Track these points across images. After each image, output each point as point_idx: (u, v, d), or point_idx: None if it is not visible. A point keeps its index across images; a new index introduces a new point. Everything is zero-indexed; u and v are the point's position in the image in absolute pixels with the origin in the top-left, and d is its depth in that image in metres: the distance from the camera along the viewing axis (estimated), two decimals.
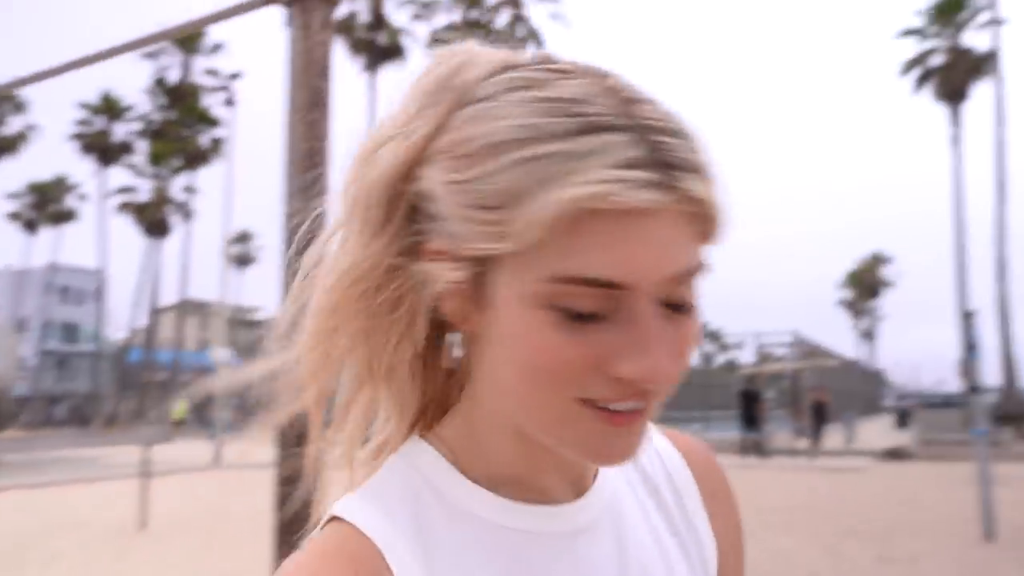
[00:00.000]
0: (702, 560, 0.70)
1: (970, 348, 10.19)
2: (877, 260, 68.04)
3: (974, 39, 31.26)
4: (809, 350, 25.00)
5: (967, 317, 11.31)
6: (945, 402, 27.18)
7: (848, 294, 70.08)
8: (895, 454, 17.85)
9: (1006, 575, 6.70)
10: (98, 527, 9.56)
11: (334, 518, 0.58)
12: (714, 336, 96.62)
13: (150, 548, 8.33)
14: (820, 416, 19.09)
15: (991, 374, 27.85)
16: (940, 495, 11.70)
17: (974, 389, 9.36)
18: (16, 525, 9.90)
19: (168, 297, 53.27)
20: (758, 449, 18.42)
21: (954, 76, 30.06)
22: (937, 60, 30.78)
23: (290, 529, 1.56)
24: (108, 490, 13.02)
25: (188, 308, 46.38)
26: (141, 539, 8.87)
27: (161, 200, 42.60)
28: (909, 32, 31.54)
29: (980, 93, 30.39)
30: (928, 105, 33.23)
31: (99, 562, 7.57)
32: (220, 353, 22.09)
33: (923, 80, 31.11)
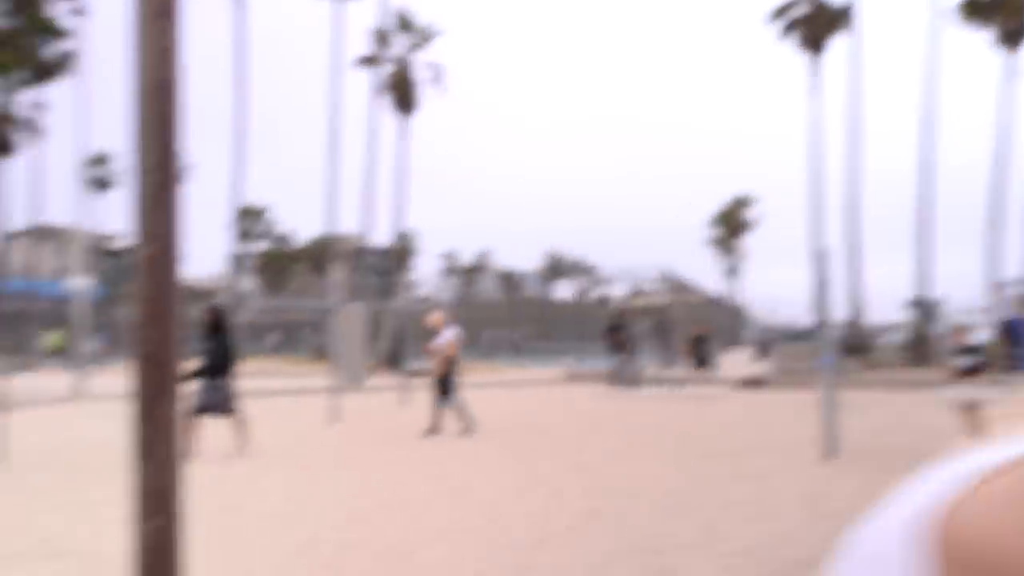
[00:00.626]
0: None
1: (820, 285, 10.92)
2: (740, 202, 71.11)
3: None
4: (676, 285, 26.08)
5: (819, 257, 12.08)
6: (800, 335, 29.06)
7: (715, 233, 73.06)
8: (753, 382, 19.03)
9: (839, 487, 7.34)
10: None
11: None
12: (588, 271, 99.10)
13: (9, 482, 7.95)
14: (702, 348, 20.18)
15: (840, 310, 29.90)
16: (791, 419, 12.61)
17: (822, 323, 10.05)
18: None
19: (18, 222, 49.53)
20: (626, 379, 19.23)
21: (815, 28, 31.30)
22: (800, 11, 31.92)
23: (146, 453, 1.55)
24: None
25: (42, 234, 43.40)
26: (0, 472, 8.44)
27: (5, 117, 39.24)
28: None
29: (838, 45, 31.78)
30: (790, 55, 34.36)
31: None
32: (79, 282, 20.87)
33: (788, 30, 32.24)
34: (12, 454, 9.37)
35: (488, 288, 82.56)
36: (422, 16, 36.63)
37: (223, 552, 5.33)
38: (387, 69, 36.33)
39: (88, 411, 15.67)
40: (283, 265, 75.91)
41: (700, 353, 20.29)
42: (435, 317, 12.07)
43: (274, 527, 6.08)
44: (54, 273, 60.45)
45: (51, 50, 39.54)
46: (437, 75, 37.76)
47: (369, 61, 36.14)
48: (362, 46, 37.01)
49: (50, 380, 21.40)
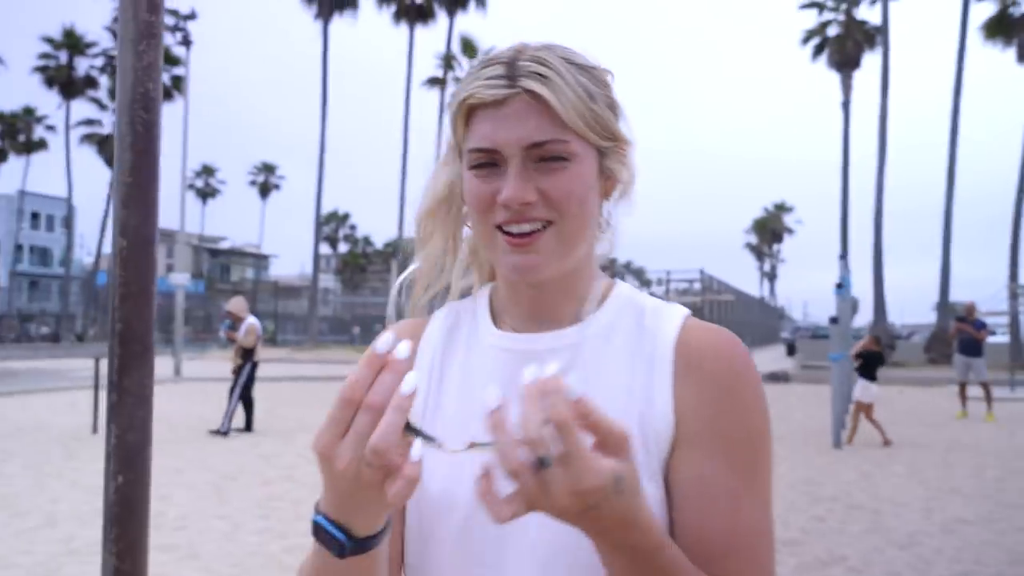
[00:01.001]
0: (653, 429, 0.73)
1: (838, 286, 10.62)
2: (780, 209, 69.53)
3: (866, 13, 31.61)
4: (714, 286, 25.66)
5: (841, 262, 11.77)
6: (827, 334, 28.30)
7: (753, 239, 71.61)
8: (776, 376, 18.61)
9: (839, 474, 7.15)
10: (54, 431, 9.46)
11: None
12: (637, 273, 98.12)
13: (99, 449, 8.28)
14: None
15: (866, 310, 29.02)
16: (807, 411, 12.30)
17: (834, 320, 9.79)
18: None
19: None
20: None
21: (847, 46, 30.39)
22: (833, 31, 31.03)
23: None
24: (69, 399, 12.81)
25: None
26: (92, 441, 8.80)
27: None
28: (810, 4, 31.66)
29: (869, 63, 30.85)
30: (824, 72, 33.43)
31: (50, 463, 7.51)
32: (178, 278, 21.61)
33: (820, 49, 31.40)
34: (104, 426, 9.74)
35: None
36: (484, 41, 36.83)
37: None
38: (453, 89, 36.64)
39: (181, 391, 16.21)
40: (361, 265, 77.23)
41: None
42: (236, 303, 10.05)
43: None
44: (162, 270, 62.64)
45: (164, 76, 40.96)
46: None
47: (436, 82, 36.48)
48: (431, 69, 37.38)
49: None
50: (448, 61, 36.29)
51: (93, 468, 7.26)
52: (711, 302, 23.94)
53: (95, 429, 9.42)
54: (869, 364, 9.27)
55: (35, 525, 5.18)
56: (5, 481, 6.61)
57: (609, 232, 0.83)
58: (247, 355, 9.63)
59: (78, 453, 8.02)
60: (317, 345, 32.10)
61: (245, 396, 9.56)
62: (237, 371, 9.61)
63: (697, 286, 25.32)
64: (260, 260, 77.18)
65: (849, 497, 6.19)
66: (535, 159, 0.73)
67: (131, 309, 1.63)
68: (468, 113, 0.76)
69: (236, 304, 9.93)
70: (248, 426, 9.63)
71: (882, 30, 29.67)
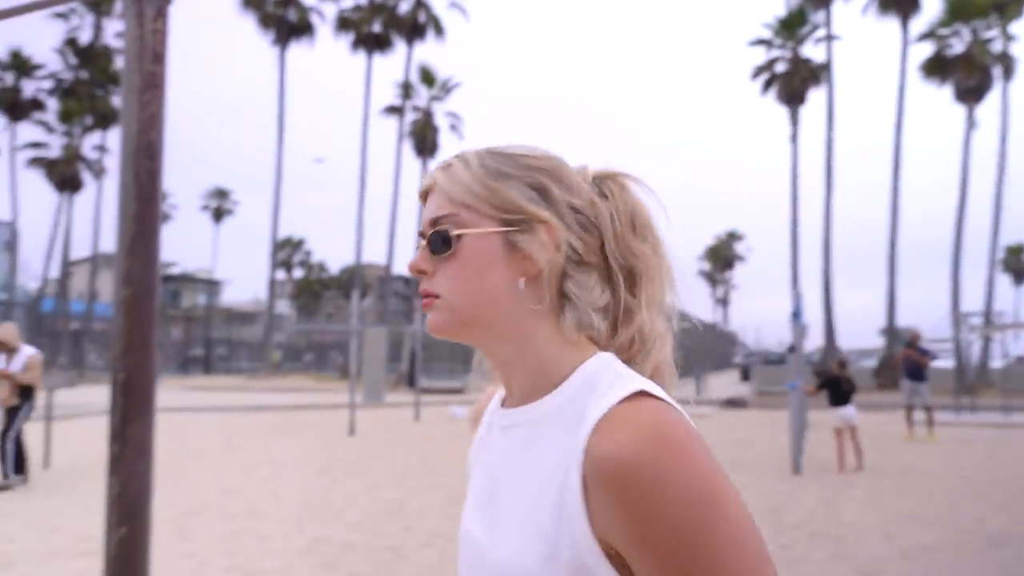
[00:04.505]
0: (572, 545, 0.68)
1: (794, 315, 10.90)
2: (732, 237, 71.01)
3: (812, 51, 32.76)
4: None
5: (795, 291, 12.09)
6: (779, 359, 28.85)
7: (706, 266, 72.85)
8: (734, 403, 18.90)
9: (800, 501, 7.28)
10: None
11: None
12: None
13: (51, 487, 8.00)
14: None
15: (815, 337, 29.73)
16: (765, 437, 12.52)
17: (791, 349, 10.01)
18: None
19: (82, 250, 50.09)
20: None
21: (794, 82, 31.43)
22: (781, 67, 32.07)
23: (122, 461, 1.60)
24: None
25: (101, 261, 43.79)
26: (44, 476, 8.50)
27: (72, 157, 39.84)
28: (758, 42, 32.70)
29: (816, 98, 31.85)
30: (774, 106, 34.40)
31: (1, 501, 7.22)
32: None
33: (769, 84, 32.38)
34: (56, 459, 9.44)
35: None
36: (443, 70, 37.07)
37: (237, 551, 5.35)
38: (411, 117, 36.71)
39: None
40: (316, 291, 76.25)
41: None
42: (5, 330, 8.13)
43: (287, 528, 6.09)
44: (110, 295, 60.71)
45: (115, 100, 40.19)
46: (455, 123, 38.10)
47: (394, 110, 36.55)
48: (389, 97, 37.43)
49: (102, 393, 21.51)
50: (406, 90, 36.40)
51: (46, 506, 7.01)
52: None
53: (46, 464, 9.09)
54: (834, 389, 9.57)
55: None
56: None
57: (571, 307, 0.78)
58: (27, 392, 8.08)
59: (31, 489, 7.73)
60: (273, 373, 31.51)
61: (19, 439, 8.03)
62: (14, 411, 8.00)
63: None
64: (212, 286, 75.62)
65: (812, 524, 6.31)
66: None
67: (134, 360, 1.62)
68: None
69: (6, 331, 8.09)
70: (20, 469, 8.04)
71: (826, 67, 30.77)
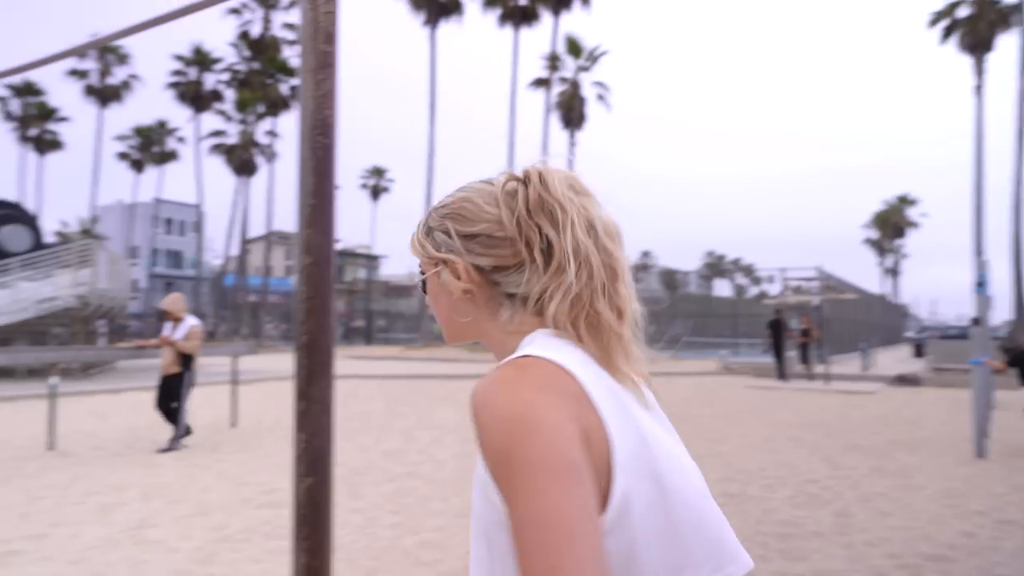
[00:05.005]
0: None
1: (978, 285, 9.95)
2: (903, 202, 65.64)
3: None
4: (831, 284, 24.54)
5: (979, 260, 11.02)
6: (958, 334, 26.50)
7: (873, 234, 67.95)
8: (905, 379, 17.61)
9: (985, 486, 6.68)
10: (197, 425, 10.11)
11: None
12: (746, 270, 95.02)
13: (239, 443, 8.81)
14: (805, 341, 19.04)
15: (1003, 308, 26.99)
16: (942, 417, 11.58)
17: (975, 321, 9.16)
18: (129, 420, 10.55)
19: (257, 229, 54.40)
20: (783, 373, 18.38)
21: (979, 27, 28.31)
22: (964, 12, 28.98)
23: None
24: (207, 394, 13.68)
25: (274, 238, 47.34)
26: (231, 435, 9.37)
27: (247, 143, 43.13)
28: None
29: (1003, 44, 28.63)
30: (953, 56, 31.14)
31: (196, 455, 8.05)
32: None
33: (949, 31, 29.38)
34: (241, 419, 10.37)
35: (650, 286, 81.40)
36: (589, 39, 36.61)
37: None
38: (558, 89, 36.63)
39: None
40: None
41: (803, 349, 19.08)
42: (172, 300, 8.37)
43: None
44: (284, 271, 65.76)
45: (283, 87, 43.01)
46: (602, 94, 37.63)
47: (542, 83, 36.59)
48: (536, 70, 37.53)
49: (278, 360, 23.35)
50: (553, 61, 36.33)
51: (235, 460, 7.74)
52: (831, 301, 22.89)
53: (233, 423, 10.03)
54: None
55: (189, 513, 5.57)
56: (159, 472, 7.14)
57: (506, 305, 0.97)
58: (187, 361, 8.31)
59: (221, 446, 8.56)
60: (428, 344, 32.86)
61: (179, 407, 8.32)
62: (176, 379, 8.25)
63: (814, 284, 24.28)
64: (372, 261, 79.79)
65: (999, 511, 5.79)
66: None
67: (315, 323, 1.74)
68: None
69: (173, 301, 8.37)
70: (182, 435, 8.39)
71: (1018, 8, 27.50)
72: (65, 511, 5.64)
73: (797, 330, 19.42)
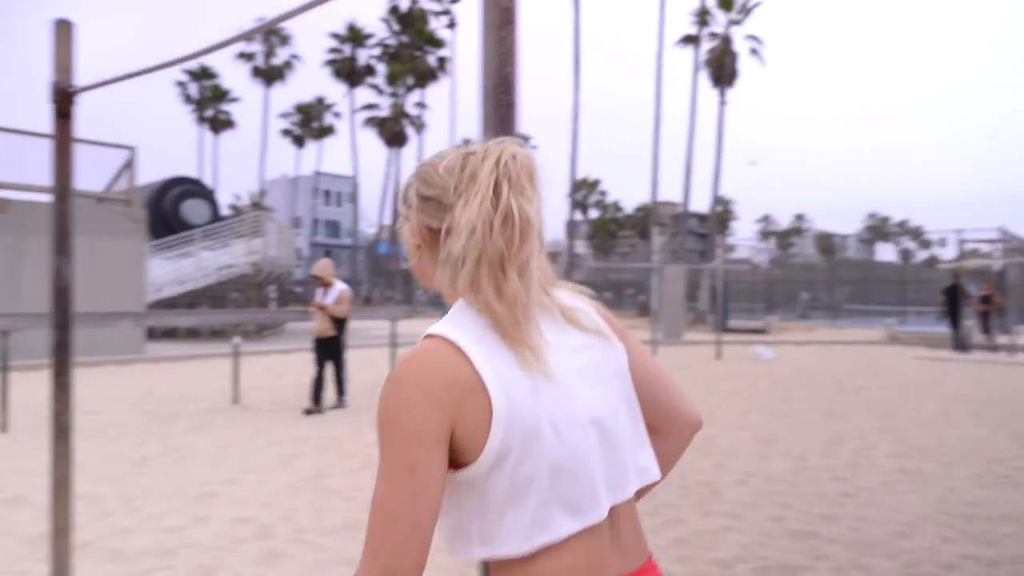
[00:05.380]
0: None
1: None
2: None
3: None
4: (1016, 246, 22.21)
5: None
6: None
7: None
8: None
9: None
10: (360, 384, 10.70)
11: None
12: (914, 233, 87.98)
13: None
14: (986, 309, 17.30)
15: None
16: None
17: None
18: (300, 379, 11.35)
19: None
20: (959, 343, 16.97)
21: None
22: None
23: None
24: (366, 355, 14.48)
25: None
26: None
27: (398, 115, 44.71)
28: None
29: None
30: None
31: (361, 412, 8.55)
32: None
33: None
34: None
35: (806, 250, 77.27)
36: None
37: None
38: (707, 46, 35.17)
39: None
40: (611, 231, 77.78)
41: (984, 316, 17.28)
42: (323, 266, 8.67)
43: None
44: None
45: (431, 59, 44.11)
46: (755, 48, 35.75)
47: (690, 40, 35.26)
48: (683, 28, 36.20)
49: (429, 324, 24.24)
50: (703, 17, 34.87)
51: None
52: (1017, 265, 20.74)
53: None
54: None
55: (359, 466, 5.94)
56: (330, 426, 7.65)
57: (441, 266, 1.08)
58: (340, 325, 8.58)
59: (371, 409, 9.04)
60: None
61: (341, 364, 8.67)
62: (333, 340, 8.51)
63: (997, 247, 22.08)
64: None
65: None
66: None
67: None
68: None
69: (323, 267, 8.66)
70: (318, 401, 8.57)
71: None
72: (251, 459, 6.17)
73: (977, 297, 17.81)
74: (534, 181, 1.08)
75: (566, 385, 1.03)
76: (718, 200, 35.82)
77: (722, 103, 34.92)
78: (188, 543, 4.10)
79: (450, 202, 1.07)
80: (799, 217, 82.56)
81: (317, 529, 4.38)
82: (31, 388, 10.02)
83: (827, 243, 72.98)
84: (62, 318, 3.42)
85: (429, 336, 1.03)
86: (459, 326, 1.03)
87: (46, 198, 13.92)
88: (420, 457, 0.95)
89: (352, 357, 14.09)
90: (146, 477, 5.53)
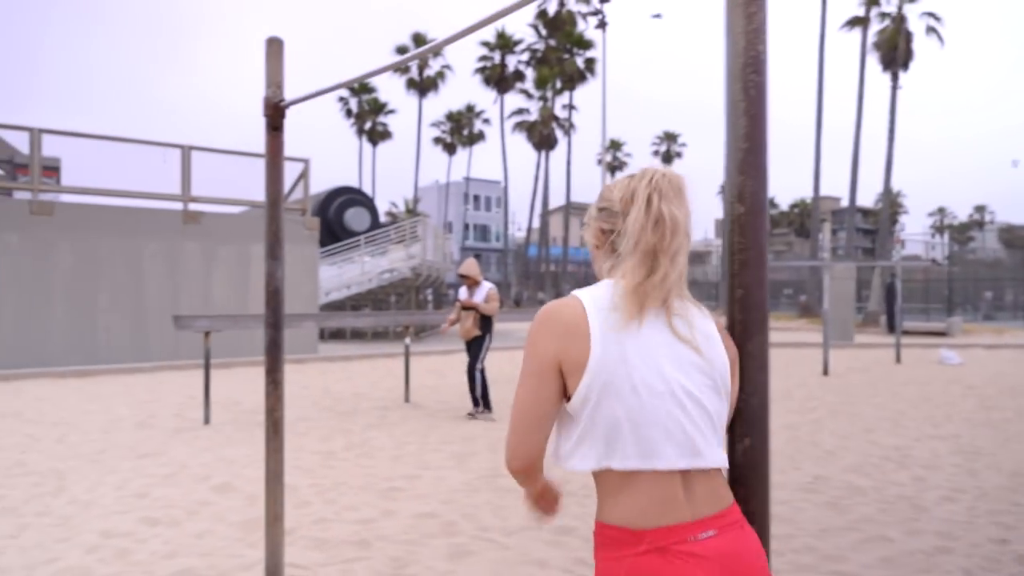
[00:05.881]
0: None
1: None
2: None
3: None
4: None
5: None
6: None
7: None
8: None
9: None
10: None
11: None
12: None
13: None
14: None
15: None
16: None
17: None
18: (462, 379, 11.60)
19: (556, 201, 56.87)
20: None
21: None
22: None
23: None
24: (513, 357, 14.62)
25: (572, 210, 49.12)
26: None
27: (547, 118, 45.06)
28: None
29: None
30: None
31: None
32: None
33: None
34: None
35: (986, 245, 70.46)
36: None
37: None
38: (877, 27, 32.82)
39: None
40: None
41: None
42: (469, 265, 8.49)
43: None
44: (582, 240, 68.05)
45: (579, 60, 44.14)
46: (933, 26, 32.98)
47: (858, 21, 33.05)
48: (850, 8, 33.94)
49: None
50: None
51: None
52: None
53: None
54: None
55: None
56: (498, 427, 7.74)
57: (612, 256, 1.47)
58: (487, 324, 8.41)
59: None
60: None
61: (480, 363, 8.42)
62: (477, 341, 8.35)
63: None
64: None
65: None
66: None
67: (750, 276, 1.63)
68: None
69: (470, 266, 8.54)
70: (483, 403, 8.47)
71: None
72: (427, 456, 6.34)
73: None
74: (682, 193, 1.42)
75: (655, 359, 1.33)
76: (888, 193, 33.30)
77: (894, 87, 32.45)
78: (380, 535, 4.24)
79: (618, 211, 1.42)
80: (979, 209, 75.45)
81: (500, 528, 4.40)
82: (226, 384, 10.91)
83: (1012, 237, 66.17)
84: (274, 318, 3.63)
85: (572, 295, 1.40)
86: (593, 294, 1.38)
87: (233, 210, 15.15)
88: (542, 371, 1.35)
89: (504, 358, 14.26)
90: (335, 470, 5.81)
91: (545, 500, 1.61)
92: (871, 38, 32.50)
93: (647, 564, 1.27)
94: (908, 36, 32.40)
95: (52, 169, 15.65)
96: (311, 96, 3.49)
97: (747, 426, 1.59)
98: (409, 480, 5.54)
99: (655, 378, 1.31)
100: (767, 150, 1.62)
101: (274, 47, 3.64)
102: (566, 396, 1.35)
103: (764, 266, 1.62)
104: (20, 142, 14.32)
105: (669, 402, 1.31)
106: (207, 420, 7.89)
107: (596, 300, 1.35)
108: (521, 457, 1.38)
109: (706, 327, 1.41)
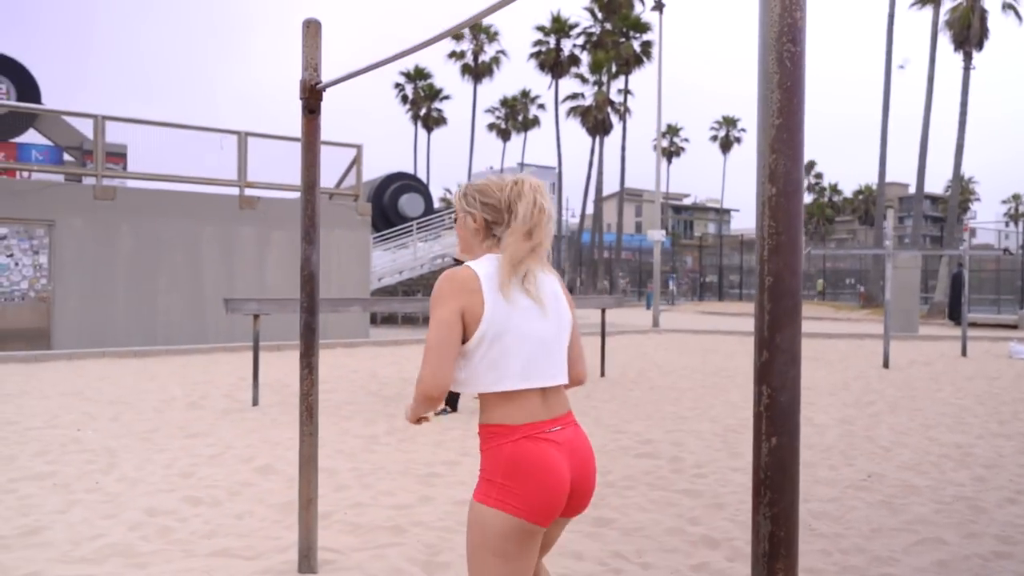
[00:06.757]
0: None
1: None
2: None
3: None
4: None
5: None
6: None
7: None
8: None
9: None
10: None
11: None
12: None
13: (608, 393, 9.14)
14: None
15: None
16: None
17: None
18: None
19: (610, 187, 56.32)
20: None
21: None
22: None
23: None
24: None
25: (626, 196, 48.53)
26: (601, 385, 9.77)
27: (602, 103, 44.53)
28: None
29: None
30: None
31: (573, 401, 8.51)
32: (656, 234, 22.78)
33: None
34: (608, 369, 10.74)
35: None
36: None
37: None
38: (949, 5, 31.40)
39: (657, 341, 17.15)
40: (827, 216, 72.41)
41: None
42: None
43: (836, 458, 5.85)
44: (636, 227, 67.39)
45: (635, 44, 43.46)
46: (1010, 3, 31.40)
47: (927, 0, 31.66)
48: None
49: (631, 314, 23.96)
50: None
51: (608, 409, 8.03)
52: None
53: (602, 373, 10.46)
54: None
55: None
56: None
57: (491, 237, 2.01)
58: None
59: (593, 394, 8.97)
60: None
61: None
62: None
63: None
64: (722, 214, 77.86)
65: None
66: None
67: (781, 262, 1.49)
68: None
69: None
70: None
71: None
72: (469, 443, 6.32)
73: None
74: (548, 195, 1.97)
75: (527, 314, 1.87)
76: (958, 179, 31.95)
77: (966, 68, 31.02)
78: (416, 521, 4.23)
79: (502, 207, 1.94)
80: (1015, 197, 71.99)
81: None
82: (277, 367, 11.10)
83: None
84: (309, 302, 3.62)
85: (464, 265, 1.90)
86: (480, 264, 1.89)
87: (287, 195, 15.38)
88: (451, 319, 1.81)
89: None
90: (376, 455, 5.84)
91: (423, 415, 2.04)
92: (943, 16, 31.10)
93: (522, 447, 1.82)
94: (983, 13, 30.88)
95: (119, 155, 16.11)
96: (348, 77, 3.45)
97: (774, 424, 1.48)
98: (449, 466, 5.52)
99: (526, 326, 1.86)
100: (803, 127, 1.50)
101: (311, 29, 3.61)
102: (463, 341, 1.84)
103: (798, 252, 1.51)
104: (85, 129, 14.80)
105: (535, 343, 1.87)
106: (255, 402, 8.03)
107: (485, 269, 1.86)
108: (440, 386, 1.80)
109: (555, 288, 1.97)
